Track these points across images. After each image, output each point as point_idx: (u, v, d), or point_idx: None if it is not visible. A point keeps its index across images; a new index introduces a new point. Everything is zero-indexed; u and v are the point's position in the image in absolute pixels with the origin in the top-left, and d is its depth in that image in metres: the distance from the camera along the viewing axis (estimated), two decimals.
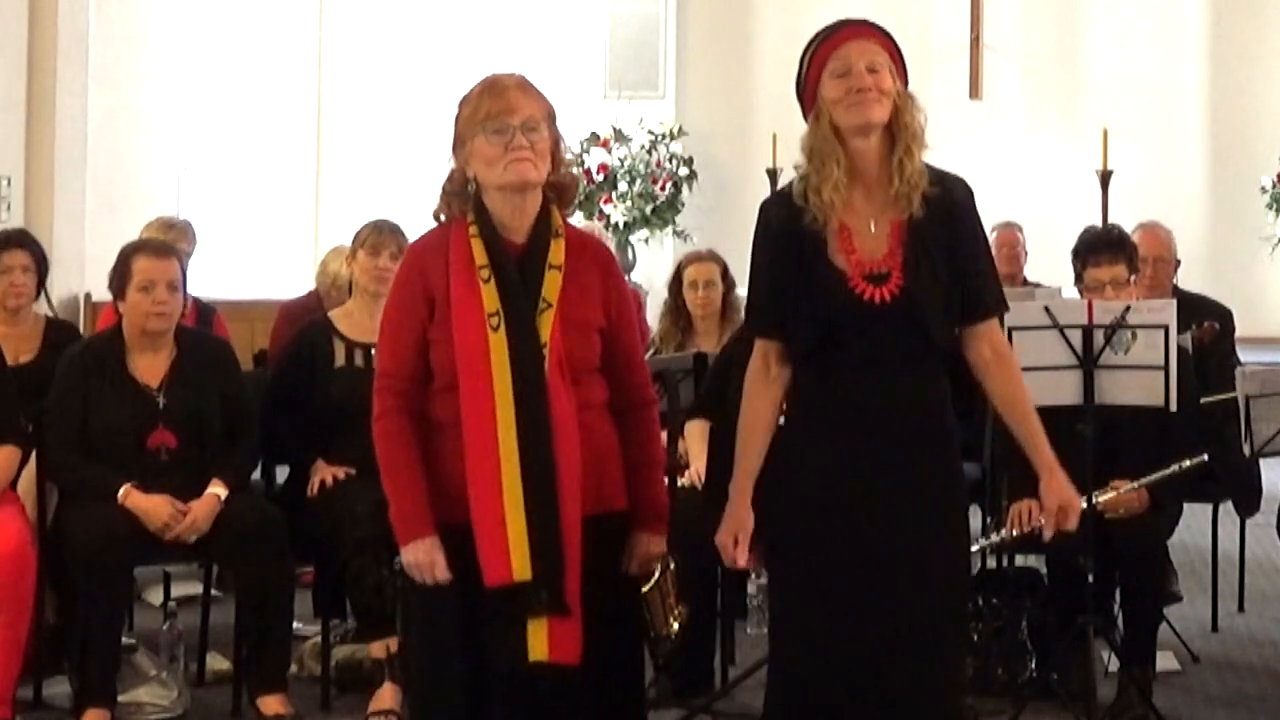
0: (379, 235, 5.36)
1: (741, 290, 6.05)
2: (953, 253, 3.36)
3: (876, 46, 3.37)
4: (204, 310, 6.75)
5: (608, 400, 3.44)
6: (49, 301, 5.89)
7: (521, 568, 3.21)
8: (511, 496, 3.23)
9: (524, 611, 3.23)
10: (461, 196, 3.41)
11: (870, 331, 3.34)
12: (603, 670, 3.34)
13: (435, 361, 3.34)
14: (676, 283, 6.25)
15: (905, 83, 3.41)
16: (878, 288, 3.32)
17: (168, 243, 5.64)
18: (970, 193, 3.44)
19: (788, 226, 3.38)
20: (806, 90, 3.41)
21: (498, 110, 3.32)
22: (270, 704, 4.85)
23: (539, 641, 3.24)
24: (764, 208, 3.48)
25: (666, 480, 4.76)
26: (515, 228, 3.37)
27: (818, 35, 3.41)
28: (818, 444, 3.39)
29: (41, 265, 5.68)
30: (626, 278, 12.17)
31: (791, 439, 3.44)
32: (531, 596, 3.22)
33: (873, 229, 3.35)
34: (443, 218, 3.45)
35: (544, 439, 3.24)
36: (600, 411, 3.41)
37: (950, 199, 3.38)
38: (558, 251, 3.36)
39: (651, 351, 6.17)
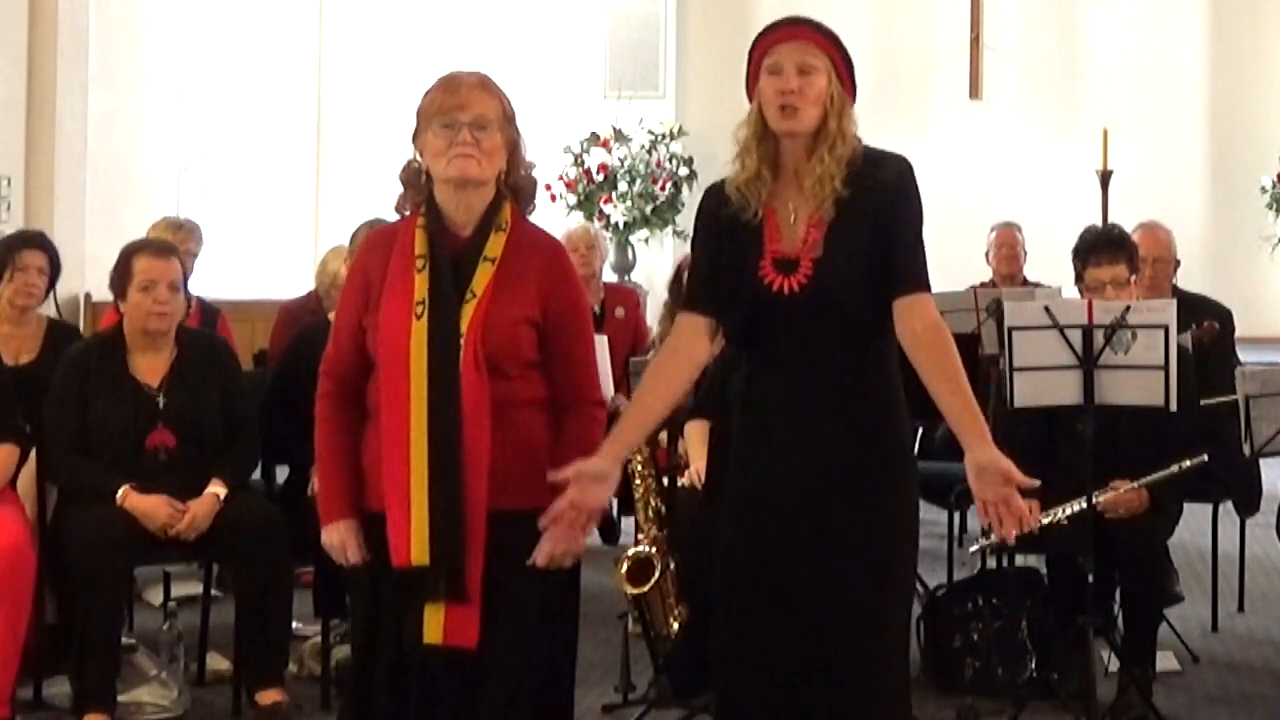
0: None
1: None
2: (878, 233, 3.29)
3: (814, 48, 3.33)
4: (208, 311, 6.73)
5: (545, 398, 3.43)
6: (55, 304, 5.90)
7: (420, 552, 3.27)
8: (418, 482, 3.28)
9: (422, 595, 3.28)
10: (415, 187, 3.47)
11: (786, 325, 3.32)
12: (514, 660, 3.35)
13: (369, 349, 3.40)
14: (677, 284, 6.20)
15: (849, 85, 3.37)
16: (786, 277, 3.31)
17: (169, 242, 5.62)
18: (904, 171, 3.34)
19: (719, 214, 3.40)
20: (750, 85, 3.42)
21: (450, 106, 3.39)
22: (268, 695, 4.86)
23: (434, 625, 3.29)
24: (702, 198, 3.50)
25: (666, 480, 4.78)
26: (461, 221, 3.41)
27: (762, 30, 3.41)
28: (749, 452, 3.38)
29: (55, 268, 5.69)
30: (627, 278, 12.02)
31: (732, 451, 3.44)
32: (429, 581, 3.27)
33: (793, 220, 3.35)
34: (407, 210, 3.49)
35: (453, 428, 3.28)
36: (532, 408, 3.40)
37: (877, 180, 3.31)
38: (495, 245, 3.40)
39: (652, 353, 6.15)
